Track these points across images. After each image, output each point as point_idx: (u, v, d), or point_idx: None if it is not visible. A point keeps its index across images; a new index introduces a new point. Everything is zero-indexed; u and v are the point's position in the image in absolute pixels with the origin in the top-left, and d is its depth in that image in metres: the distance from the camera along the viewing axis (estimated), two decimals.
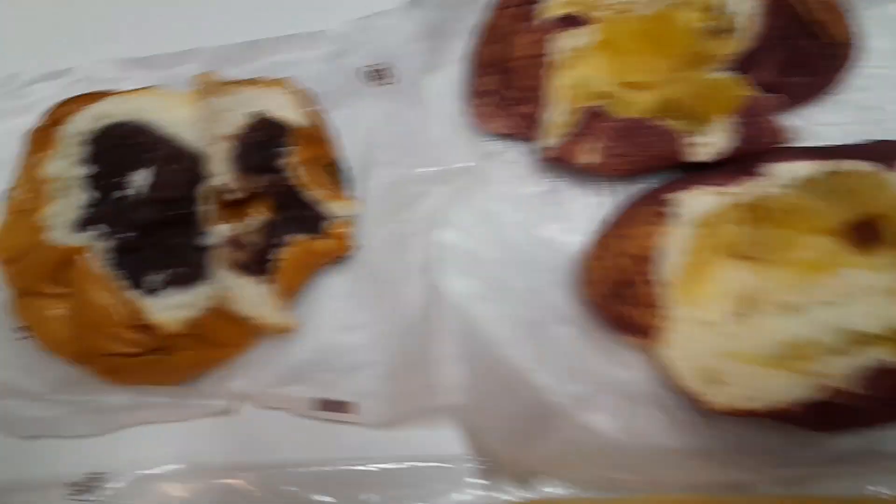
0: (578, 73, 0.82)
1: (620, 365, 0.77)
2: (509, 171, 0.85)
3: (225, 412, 0.78)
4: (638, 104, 0.81)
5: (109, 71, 0.89)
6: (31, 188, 0.76)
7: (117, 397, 0.76)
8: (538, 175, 0.85)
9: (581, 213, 0.84)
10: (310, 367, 0.79)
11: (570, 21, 0.81)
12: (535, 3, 0.81)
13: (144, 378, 0.75)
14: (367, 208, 0.82)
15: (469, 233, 0.82)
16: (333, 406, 0.77)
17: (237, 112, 0.79)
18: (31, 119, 0.84)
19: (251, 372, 0.78)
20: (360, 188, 0.85)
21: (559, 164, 0.83)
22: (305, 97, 0.81)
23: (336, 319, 0.81)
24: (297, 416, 0.78)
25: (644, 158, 0.79)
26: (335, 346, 0.80)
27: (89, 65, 0.89)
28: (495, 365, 0.76)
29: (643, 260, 0.73)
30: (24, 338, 0.78)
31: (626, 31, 0.83)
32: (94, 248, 0.72)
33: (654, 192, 0.77)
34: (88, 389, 0.76)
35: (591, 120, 0.79)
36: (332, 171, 0.83)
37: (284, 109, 0.81)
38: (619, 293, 0.75)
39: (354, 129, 0.86)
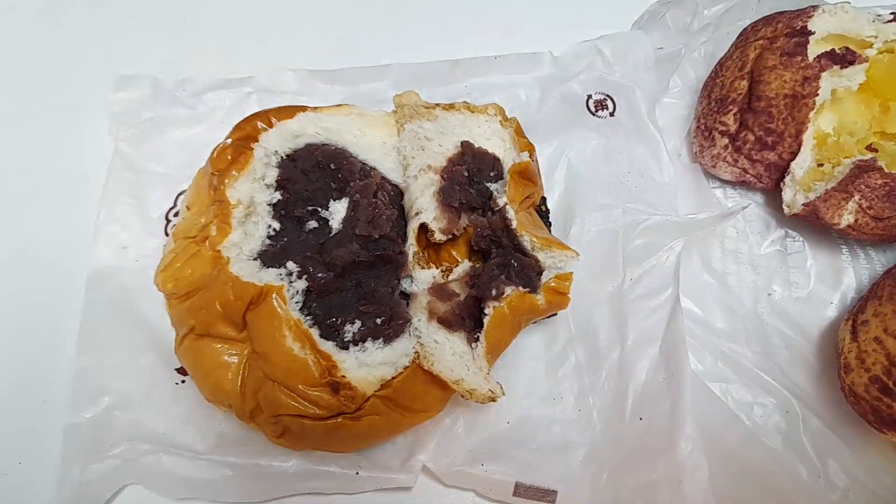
0: (842, 118, 0.70)
1: (881, 467, 0.64)
2: (744, 225, 0.73)
3: (406, 488, 0.66)
4: None
5: (290, 83, 0.78)
6: (209, 211, 0.65)
7: (288, 463, 0.65)
8: (775, 232, 0.73)
9: (826, 282, 0.72)
10: (507, 443, 0.67)
11: (837, 58, 0.69)
12: (804, 35, 0.68)
13: (322, 444, 0.63)
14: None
15: (701, 298, 0.70)
16: (535, 493, 0.65)
17: (443, 140, 0.68)
18: (201, 130, 0.75)
19: (442, 444, 0.66)
20: (559, 233, 0.74)
21: (806, 221, 0.70)
22: (517, 126, 0.70)
23: (537, 388, 0.69)
24: (488, 500, 0.66)
25: None
26: (535, 421, 0.68)
27: (268, 75, 0.78)
28: (740, 467, 0.63)
29: None
30: (184, 382, 0.68)
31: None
32: (285, 288, 0.61)
33: None
34: (255, 451, 0.65)
35: (857, 174, 0.67)
36: (540, 214, 0.72)
37: (494, 139, 0.70)
38: (886, 384, 0.62)
39: (562, 165, 0.74)
